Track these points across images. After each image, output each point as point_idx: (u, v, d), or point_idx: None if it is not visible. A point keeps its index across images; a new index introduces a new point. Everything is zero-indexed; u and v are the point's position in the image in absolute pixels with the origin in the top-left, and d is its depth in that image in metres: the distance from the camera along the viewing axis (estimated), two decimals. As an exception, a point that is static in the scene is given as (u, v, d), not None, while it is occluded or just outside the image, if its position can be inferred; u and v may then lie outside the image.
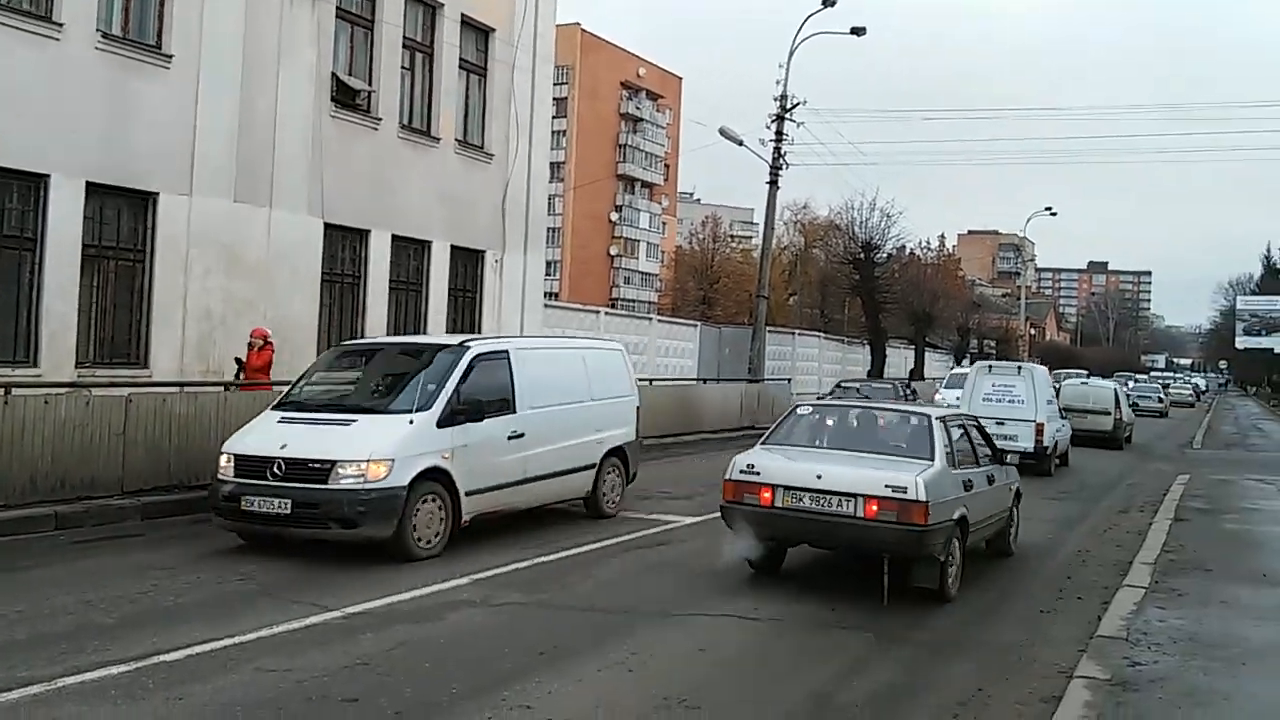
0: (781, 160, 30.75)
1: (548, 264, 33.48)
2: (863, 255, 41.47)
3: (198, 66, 15.15)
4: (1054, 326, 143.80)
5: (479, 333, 20.80)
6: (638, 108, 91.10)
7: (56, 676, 6.24)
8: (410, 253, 19.43)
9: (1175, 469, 22.31)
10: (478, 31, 20.86)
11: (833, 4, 28.73)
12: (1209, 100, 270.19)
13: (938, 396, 29.56)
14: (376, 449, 9.69)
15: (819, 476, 9.08)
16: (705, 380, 29.45)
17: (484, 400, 10.71)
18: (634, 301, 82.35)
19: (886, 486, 8.81)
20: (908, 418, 10.41)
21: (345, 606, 8.10)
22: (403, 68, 19.11)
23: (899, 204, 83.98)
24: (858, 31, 29.98)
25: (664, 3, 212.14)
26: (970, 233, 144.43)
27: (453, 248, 20.22)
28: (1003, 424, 19.09)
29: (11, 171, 13.14)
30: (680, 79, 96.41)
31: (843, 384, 25.51)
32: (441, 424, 10.16)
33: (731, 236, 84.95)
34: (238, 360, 14.72)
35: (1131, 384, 51.78)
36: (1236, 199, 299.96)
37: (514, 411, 11.13)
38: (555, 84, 24.74)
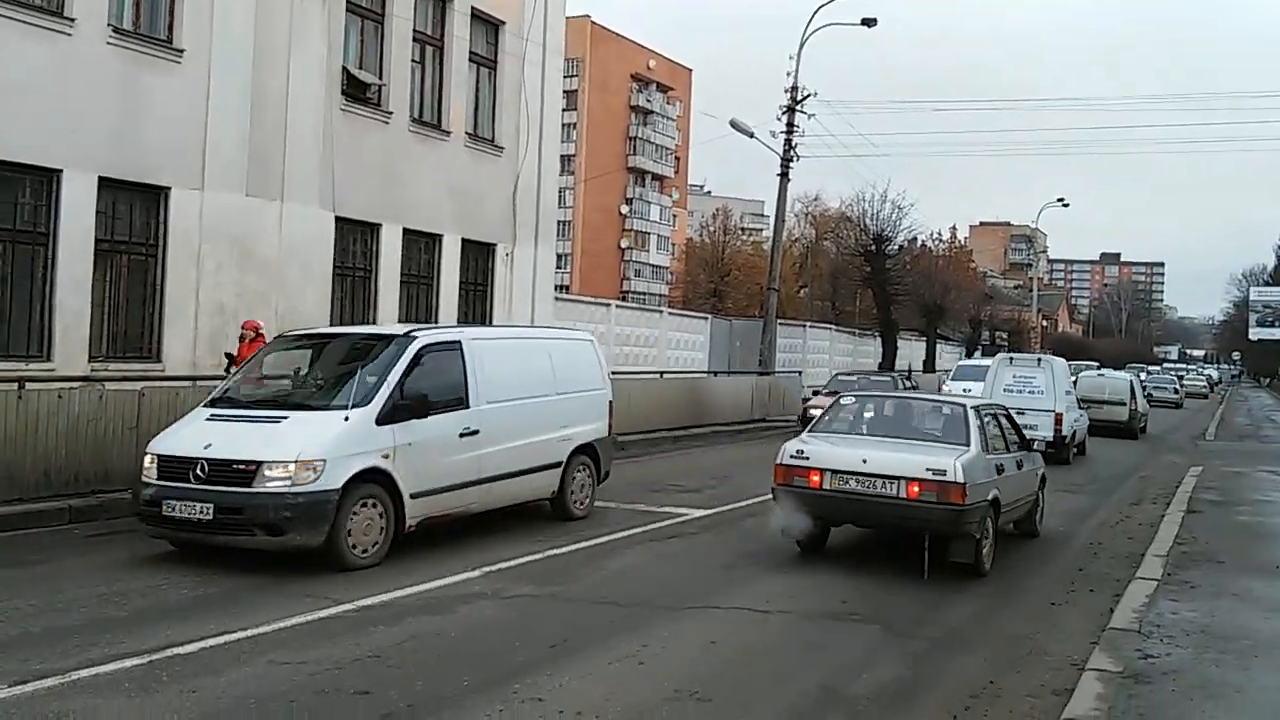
0: (792, 152, 30.70)
1: (558, 257, 33.40)
2: (874, 247, 41.37)
3: (209, 61, 15.18)
4: (1066, 318, 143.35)
5: (490, 325, 20.84)
6: (648, 100, 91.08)
7: (70, 669, 6.28)
8: (421, 246, 19.44)
9: (1188, 461, 22.23)
10: (488, 24, 20.85)
11: (843, -5, 28.67)
12: (1216, 90, 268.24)
13: (945, 388, 29.52)
14: (306, 449, 8.93)
15: (864, 461, 9.91)
16: (716, 373, 29.40)
17: (432, 395, 9.95)
18: (645, 294, 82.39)
19: (927, 470, 9.63)
20: (945, 407, 11.34)
21: (357, 599, 8.13)
22: (413, 61, 19.12)
23: (910, 195, 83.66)
24: (868, 23, 29.93)
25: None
26: (982, 224, 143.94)
27: (463, 241, 20.23)
28: (1023, 414, 19.07)
29: (24, 166, 13.18)
30: (690, 71, 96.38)
31: (840, 376, 25.15)
32: (382, 421, 9.40)
33: (742, 229, 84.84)
34: (228, 355, 14.21)
35: (1145, 375, 51.73)
36: (1251, 190, 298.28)
37: (467, 407, 10.36)
38: (565, 76, 24.74)
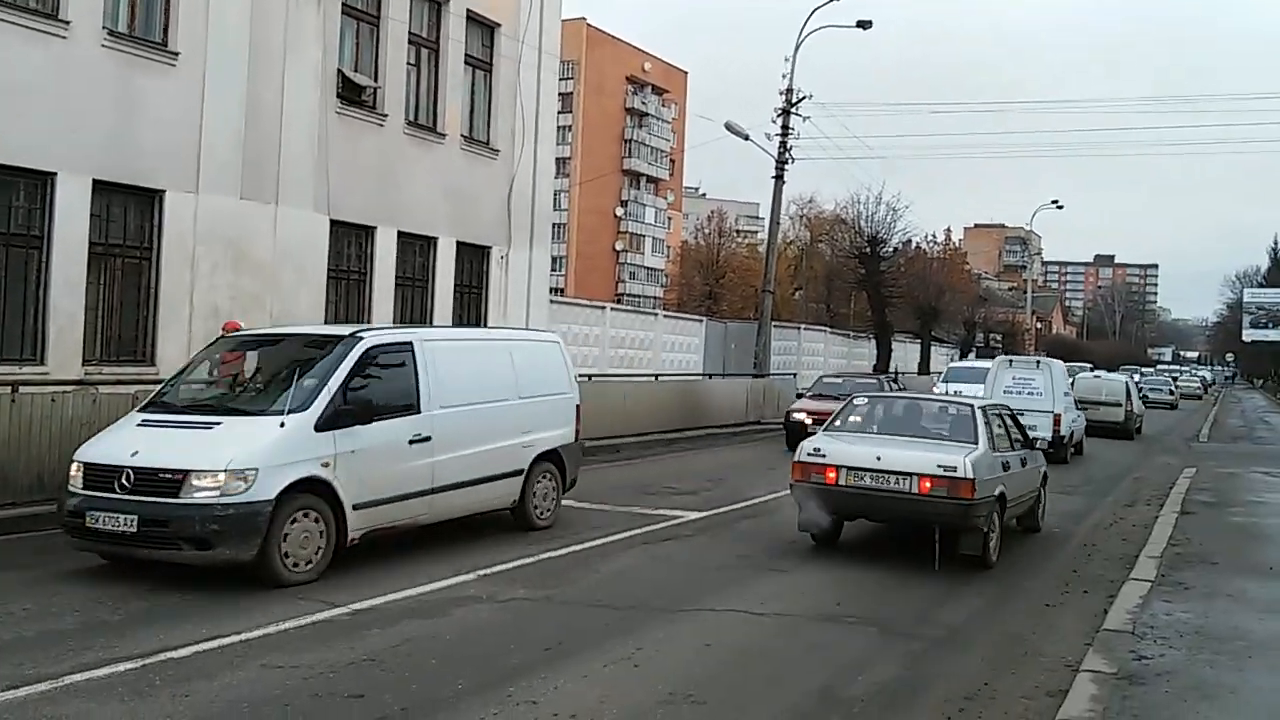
0: (787, 154, 30.73)
1: (553, 259, 33.37)
2: (868, 249, 41.37)
3: (204, 64, 15.15)
4: (1060, 320, 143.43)
5: (485, 327, 20.83)
6: (643, 102, 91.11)
7: (64, 674, 6.28)
8: (416, 249, 19.42)
9: (1182, 462, 22.29)
10: (483, 27, 20.84)
11: (838, -2, 28.71)
12: (1213, 91, 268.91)
13: (935, 390, 29.61)
14: (237, 457, 8.39)
15: (878, 458, 10.43)
16: (711, 375, 29.43)
17: (379, 399, 9.46)
18: (640, 297, 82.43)
19: (938, 466, 10.16)
20: (954, 407, 11.95)
21: (352, 603, 8.13)
22: (408, 64, 19.10)
23: (905, 197, 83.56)
24: (864, 25, 29.98)
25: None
26: (976, 226, 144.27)
27: (458, 244, 20.22)
28: (1023, 415, 19.22)
29: (18, 169, 13.14)
30: (685, 73, 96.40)
31: (825, 379, 24.57)
32: (321, 427, 8.85)
33: (737, 231, 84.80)
34: None
35: (1139, 376, 51.98)
36: (1244, 191, 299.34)
37: (419, 412, 9.84)
38: (561, 79, 24.72)
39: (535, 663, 6.89)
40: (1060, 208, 65.33)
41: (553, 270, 26.92)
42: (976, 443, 10.68)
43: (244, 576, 8.52)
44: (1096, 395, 29.50)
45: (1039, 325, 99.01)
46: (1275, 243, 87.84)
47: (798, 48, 30.30)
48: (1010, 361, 24.53)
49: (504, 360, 11.44)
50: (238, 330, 12.41)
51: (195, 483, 8.31)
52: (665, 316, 34.43)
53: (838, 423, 11.80)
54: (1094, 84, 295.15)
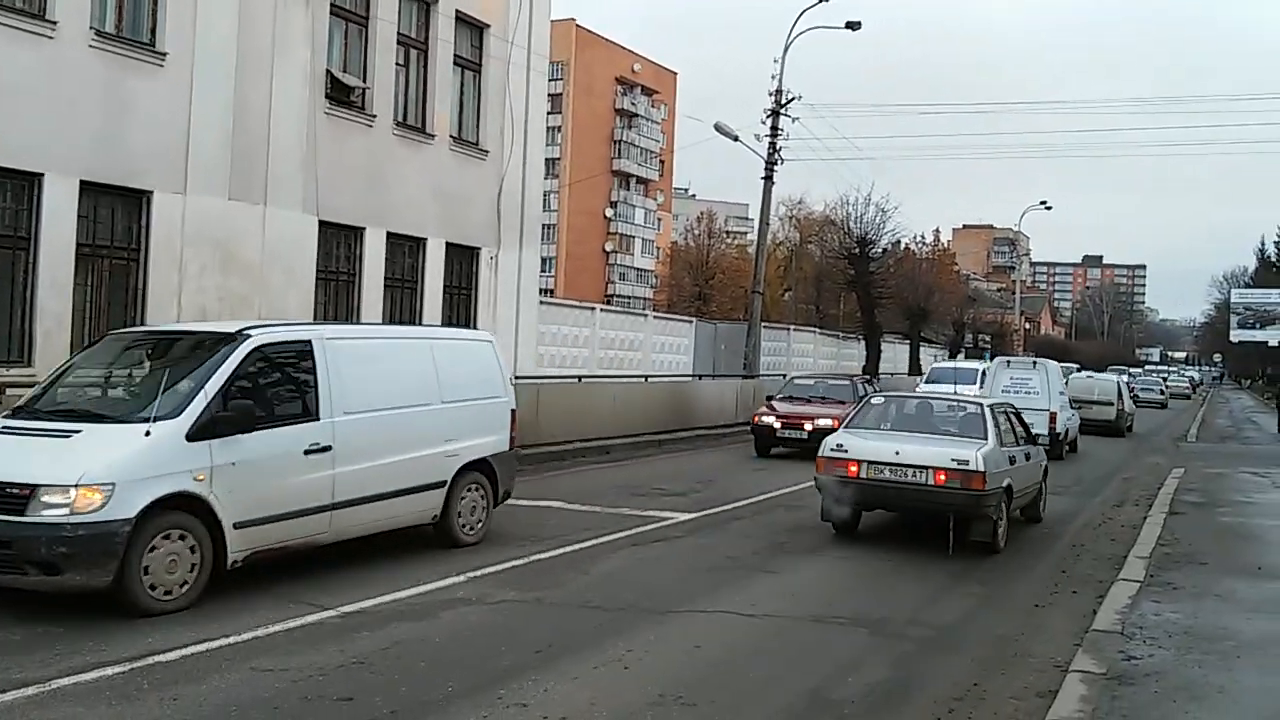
0: (777, 155, 30.74)
1: (543, 260, 33.21)
2: (858, 250, 41.31)
3: (192, 64, 15.12)
4: (1049, 320, 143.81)
5: (475, 328, 20.80)
6: (633, 103, 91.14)
7: (51, 677, 6.24)
8: (405, 250, 19.41)
9: (1170, 462, 22.37)
10: (472, 28, 20.83)
11: (827, -1, 28.72)
12: (1206, 92, 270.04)
13: (918, 390, 29.69)
14: (91, 470, 7.45)
15: (897, 453, 11.26)
16: (700, 376, 29.43)
17: (267, 404, 8.64)
18: (629, 298, 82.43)
19: (952, 460, 10.98)
20: (965, 406, 12.79)
21: (341, 605, 8.10)
22: (397, 64, 19.08)
23: (894, 198, 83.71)
24: (853, 26, 29.97)
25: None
26: (965, 227, 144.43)
27: (448, 245, 20.20)
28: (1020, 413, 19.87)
29: (5, 170, 13.10)
30: (675, 74, 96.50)
31: (796, 380, 24.16)
32: (195, 435, 7.92)
33: (727, 232, 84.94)
34: None
35: (1127, 377, 52.40)
36: (1232, 192, 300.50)
37: (317, 418, 8.89)
38: (550, 80, 24.75)
39: (525, 665, 6.88)
40: (1049, 208, 65.51)
41: (542, 271, 26.81)
42: (986, 438, 11.53)
43: (231, 581, 8.49)
44: (1089, 395, 30.31)
45: (1027, 326, 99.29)
46: (1263, 243, 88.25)
47: (787, 49, 30.32)
48: (1008, 362, 25.47)
49: (424, 361, 10.43)
50: None
51: (44, 499, 7.34)
52: (655, 317, 34.41)
53: (857, 420, 12.67)
54: (1087, 86, 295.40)
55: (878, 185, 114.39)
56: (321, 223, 17.40)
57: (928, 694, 6.72)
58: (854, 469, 11.37)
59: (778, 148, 30.70)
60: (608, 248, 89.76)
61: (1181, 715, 6.13)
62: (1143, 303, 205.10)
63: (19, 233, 13.35)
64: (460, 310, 20.75)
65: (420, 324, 19.35)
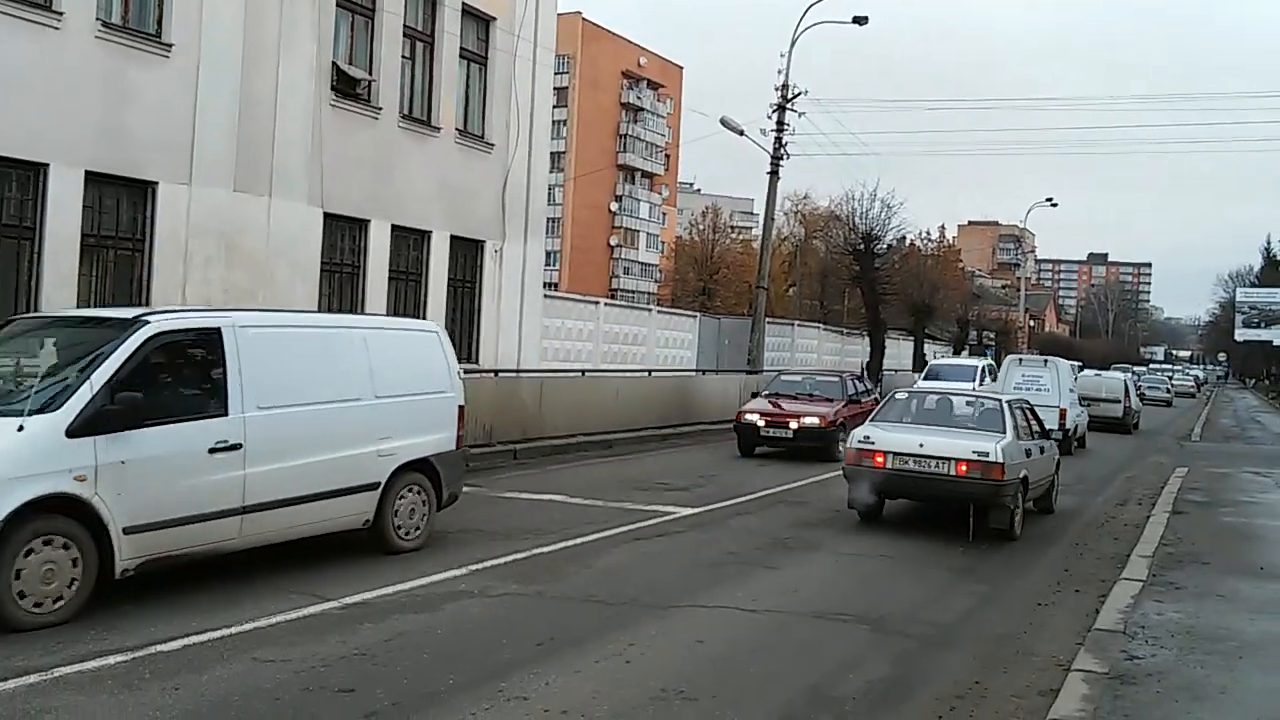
0: (782, 150, 30.71)
1: (548, 254, 33.31)
2: (863, 246, 41.23)
3: (197, 55, 15.10)
4: (1053, 318, 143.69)
5: (477, 324, 20.81)
6: (638, 97, 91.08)
7: (53, 666, 6.26)
8: (410, 243, 19.40)
9: (1174, 461, 22.37)
10: (478, 20, 20.81)
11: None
12: (1213, 90, 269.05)
13: (916, 387, 29.83)
14: None
15: (921, 445, 11.99)
16: (704, 371, 29.41)
17: (165, 397, 7.94)
18: (633, 292, 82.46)
19: (973, 452, 11.72)
20: (984, 401, 13.51)
21: (343, 597, 8.11)
22: (403, 57, 19.06)
23: (900, 194, 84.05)
24: (860, 21, 29.92)
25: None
26: (970, 223, 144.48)
27: (452, 238, 20.19)
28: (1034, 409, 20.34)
29: (10, 160, 13.09)
30: (681, 68, 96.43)
31: (783, 377, 23.68)
32: (76, 431, 7.22)
33: (732, 227, 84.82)
34: None
35: (1133, 375, 52.55)
36: (1238, 190, 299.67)
37: (226, 413, 8.17)
38: (556, 73, 24.68)
39: (527, 658, 6.88)
40: (1055, 205, 65.31)
41: (547, 265, 26.83)
42: (1005, 432, 12.23)
43: (233, 571, 8.50)
44: (1097, 392, 31.10)
45: (1032, 323, 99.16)
46: (1268, 242, 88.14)
47: (793, 43, 30.30)
48: (1020, 360, 26.32)
49: (355, 352, 9.64)
50: None
51: None
52: (659, 312, 34.38)
53: (882, 414, 13.45)
54: (1091, 83, 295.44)
55: (883, 181, 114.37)
56: (326, 215, 17.40)
57: (929, 691, 6.71)
58: (880, 460, 12.09)
59: (783, 142, 30.67)
60: (612, 242, 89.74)
61: (1183, 715, 6.12)
62: (1147, 301, 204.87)
63: (24, 223, 13.35)
64: (465, 303, 20.75)
65: (425, 317, 19.36)
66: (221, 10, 15.37)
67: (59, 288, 13.49)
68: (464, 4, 20.09)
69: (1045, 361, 25.58)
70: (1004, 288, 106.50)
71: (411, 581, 8.71)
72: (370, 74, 18.22)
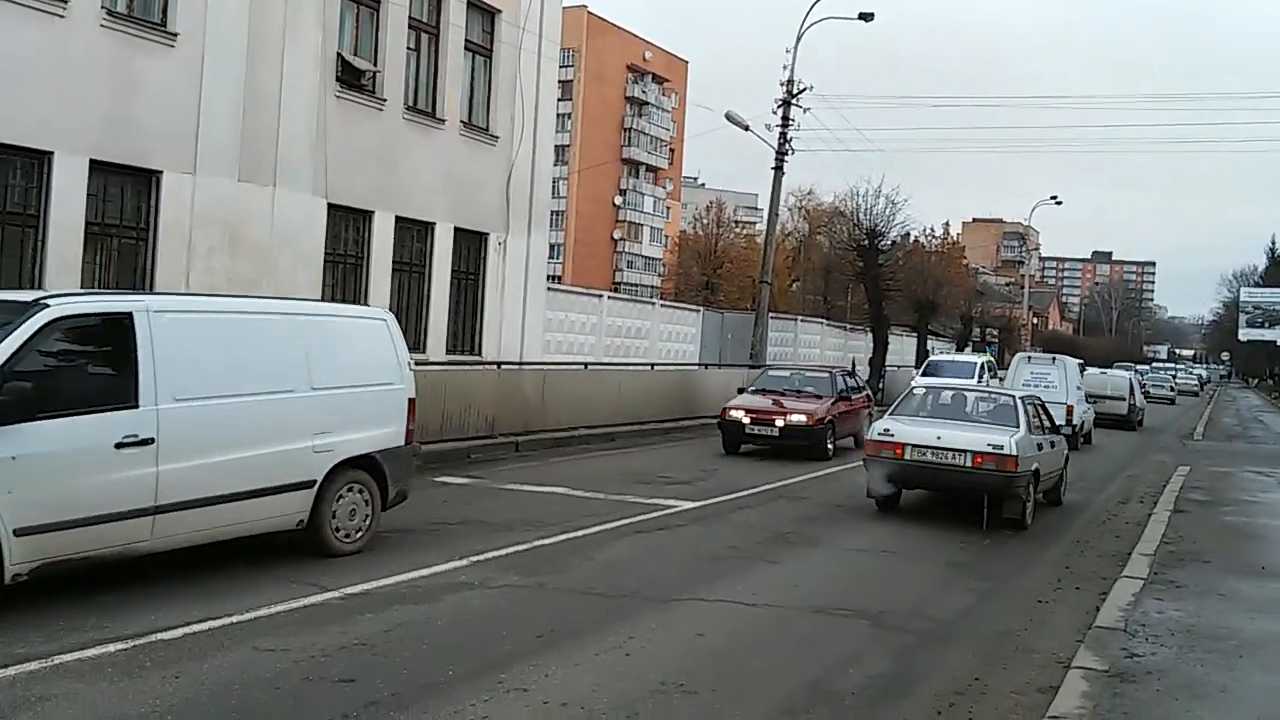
0: (787, 146, 30.67)
1: (551, 247, 33.21)
2: (867, 242, 41.12)
3: (203, 45, 15.10)
4: (1057, 316, 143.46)
5: (481, 316, 20.80)
6: (643, 91, 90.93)
7: (54, 653, 6.27)
8: (414, 234, 19.39)
9: (1176, 460, 22.35)
10: (484, 13, 20.79)
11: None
12: (1219, 89, 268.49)
13: (913, 384, 29.91)
14: None
15: (939, 437, 12.54)
16: (707, 366, 29.40)
17: (65, 387, 7.36)
18: (637, 286, 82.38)
19: (989, 445, 12.26)
20: (998, 397, 14.13)
21: (344, 587, 8.12)
22: (408, 48, 19.05)
23: (904, 191, 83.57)
24: (866, 17, 29.85)
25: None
26: (975, 220, 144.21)
27: (456, 230, 20.19)
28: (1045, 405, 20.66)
29: (15, 148, 13.10)
30: (686, 63, 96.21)
31: (770, 372, 23.08)
32: None
33: (736, 222, 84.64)
34: None
35: (1135, 373, 52.69)
36: (1243, 190, 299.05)
37: (135, 405, 7.54)
38: (561, 66, 24.67)
39: (527, 650, 6.88)
40: (1059, 203, 65.25)
41: (550, 258, 26.78)
42: (1019, 427, 12.80)
43: (234, 559, 8.51)
44: (1103, 390, 31.71)
45: (1035, 321, 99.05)
46: (1273, 242, 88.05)
47: (799, 39, 30.25)
48: (1029, 358, 27.05)
49: (289, 341, 8.96)
50: None
51: None
52: (662, 306, 34.33)
53: (900, 408, 14.04)
54: (1096, 81, 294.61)
55: (888, 177, 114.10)
56: (330, 205, 17.40)
57: (928, 687, 6.71)
58: (899, 451, 12.64)
59: (788, 138, 30.64)
60: (616, 235, 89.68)
61: (1183, 714, 6.12)
62: (1151, 299, 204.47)
63: (28, 211, 13.36)
64: (468, 295, 20.76)
65: (429, 311, 19.37)
66: (227, 0, 15.36)
67: (62, 275, 13.49)
68: (469, -4, 20.07)
69: (1053, 359, 26.04)
70: (1008, 285, 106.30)
71: (412, 572, 8.71)
72: (375, 65, 18.21)
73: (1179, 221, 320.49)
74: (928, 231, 60.29)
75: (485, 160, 20.85)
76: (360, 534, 9.37)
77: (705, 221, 77.90)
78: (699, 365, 29.51)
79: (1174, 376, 71.45)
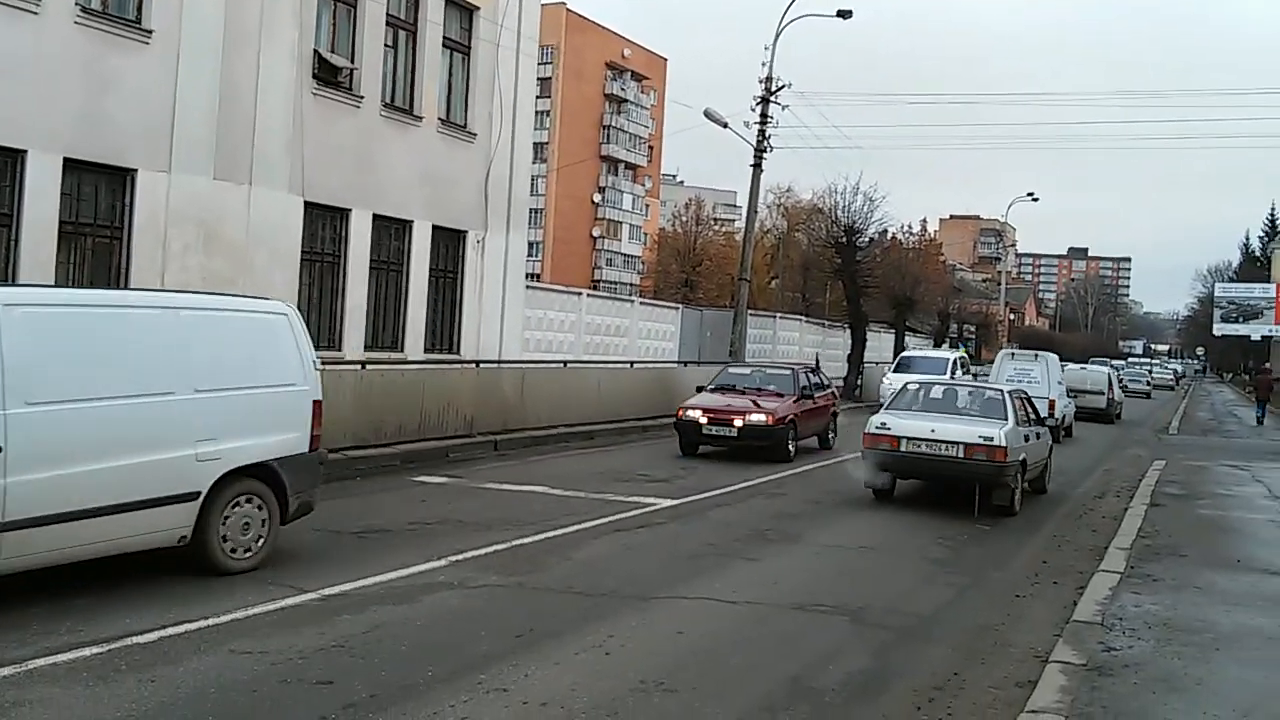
0: (766, 143, 30.67)
1: (530, 245, 33.12)
2: (845, 239, 41.22)
3: (178, 42, 14.99)
4: (1033, 312, 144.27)
5: (459, 315, 20.75)
6: (622, 89, 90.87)
7: (28, 658, 6.20)
8: (391, 232, 19.32)
9: (1151, 454, 22.51)
10: (462, 9, 20.72)
11: (818, -14, 28.64)
12: (1194, 87, 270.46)
13: (885, 380, 30.58)
14: None
15: (932, 430, 13.22)
16: (686, 363, 29.40)
17: None
18: (616, 283, 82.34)
19: (979, 436, 13.00)
20: (986, 391, 14.87)
21: (322, 588, 8.07)
22: (386, 45, 18.97)
23: (883, 188, 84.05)
24: (844, 15, 29.84)
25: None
26: (952, 217, 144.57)
27: (434, 228, 20.12)
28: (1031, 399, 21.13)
29: (-13, 146, 13.00)
30: (665, 60, 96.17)
31: (730, 369, 22.37)
32: None
33: (715, 219, 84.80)
34: None
35: (1112, 368, 53.14)
36: (1217, 187, 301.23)
37: None
38: (539, 64, 24.58)
39: (506, 650, 6.86)
40: (1035, 200, 65.52)
41: (529, 256, 26.72)
42: (1007, 419, 13.45)
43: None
44: (1083, 385, 33.01)
45: (1012, 317, 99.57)
46: (1247, 238, 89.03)
47: (778, 36, 30.26)
48: (1013, 354, 28.07)
49: (166, 337, 8.06)
50: None
51: None
52: (641, 304, 34.34)
53: (895, 402, 14.94)
54: (1073, 79, 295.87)
55: (866, 174, 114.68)
56: (307, 204, 17.31)
57: (907, 683, 6.73)
58: (895, 444, 13.32)
59: (767, 135, 30.64)
60: (595, 233, 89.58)
61: (1160, 706, 6.16)
62: (1127, 295, 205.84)
63: (1, 210, 13.24)
64: (446, 294, 20.70)
65: (406, 309, 19.29)
66: (201, -4, 15.26)
67: (36, 275, 13.37)
68: (447, -7, 20.00)
69: (1036, 356, 26.87)
70: (985, 281, 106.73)
71: (390, 573, 8.66)
72: (352, 62, 18.13)
73: (1154, 218, 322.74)
74: (905, 228, 60.70)
75: (463, 158, 20.79)
76: (256, 547, 8.54)
77: (684, 219, 77.98)
78: (678, 363, 29.52)
79: (1150, 371, 72.75)
